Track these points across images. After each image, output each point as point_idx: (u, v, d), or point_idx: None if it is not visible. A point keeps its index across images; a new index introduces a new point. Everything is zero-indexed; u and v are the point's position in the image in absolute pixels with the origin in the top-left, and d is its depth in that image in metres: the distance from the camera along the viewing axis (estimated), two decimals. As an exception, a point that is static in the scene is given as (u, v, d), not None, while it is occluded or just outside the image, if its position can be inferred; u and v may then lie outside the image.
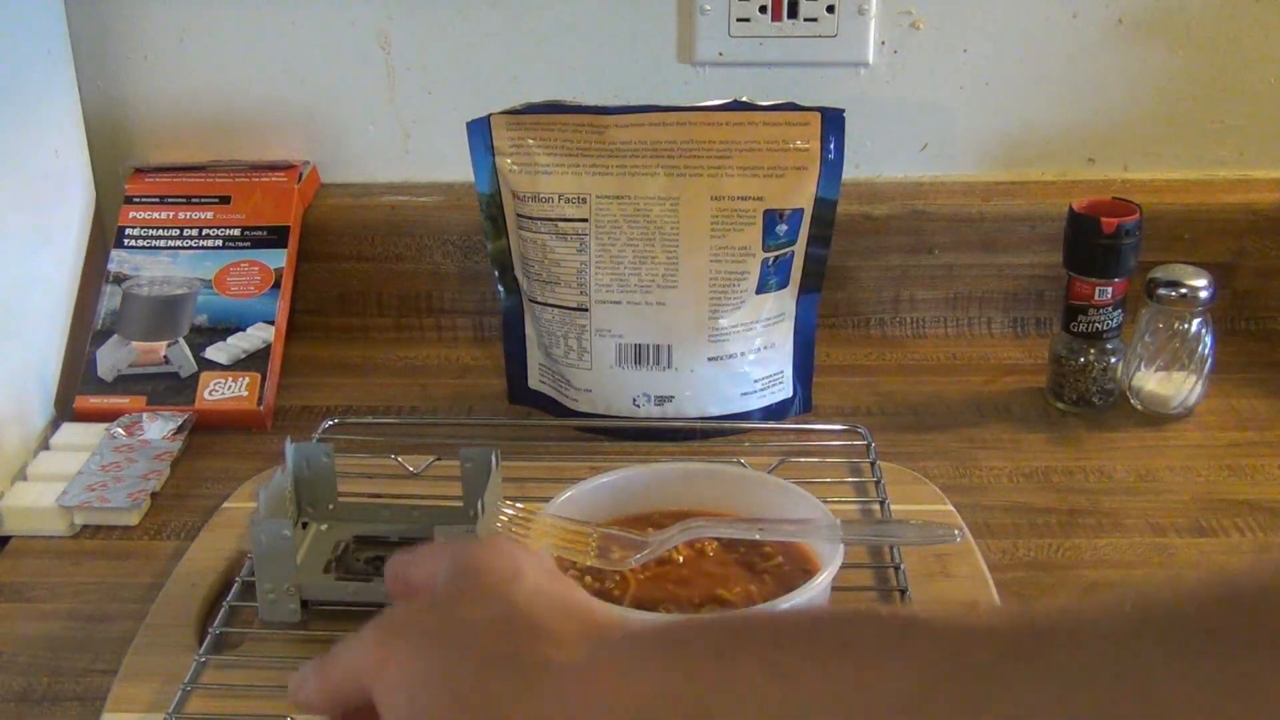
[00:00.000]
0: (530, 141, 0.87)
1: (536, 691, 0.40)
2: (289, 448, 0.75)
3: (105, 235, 1.05)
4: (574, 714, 0.38)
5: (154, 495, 0.85)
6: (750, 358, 0.90)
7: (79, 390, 0.95)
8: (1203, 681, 0.30)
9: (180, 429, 0.91)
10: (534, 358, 0.94)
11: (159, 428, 0.91)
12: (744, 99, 0.86)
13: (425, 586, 0.47)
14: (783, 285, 0.90)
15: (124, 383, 0.95)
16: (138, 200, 1.04)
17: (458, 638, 0.43)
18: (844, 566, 0.64)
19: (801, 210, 0.87)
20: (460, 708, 0.41)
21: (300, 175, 1.05)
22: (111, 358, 0.96)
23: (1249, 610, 0.31)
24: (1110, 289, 0.90)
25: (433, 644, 0.43)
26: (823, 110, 0.86)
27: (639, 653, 0.39)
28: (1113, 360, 0.92)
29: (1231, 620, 0.31)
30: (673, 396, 0.89)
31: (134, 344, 0.97)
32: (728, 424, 0.90)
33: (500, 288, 0.93)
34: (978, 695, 0.32)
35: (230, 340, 0.97)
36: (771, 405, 0.92)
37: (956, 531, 0.68)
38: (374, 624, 0.46)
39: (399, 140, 1.08)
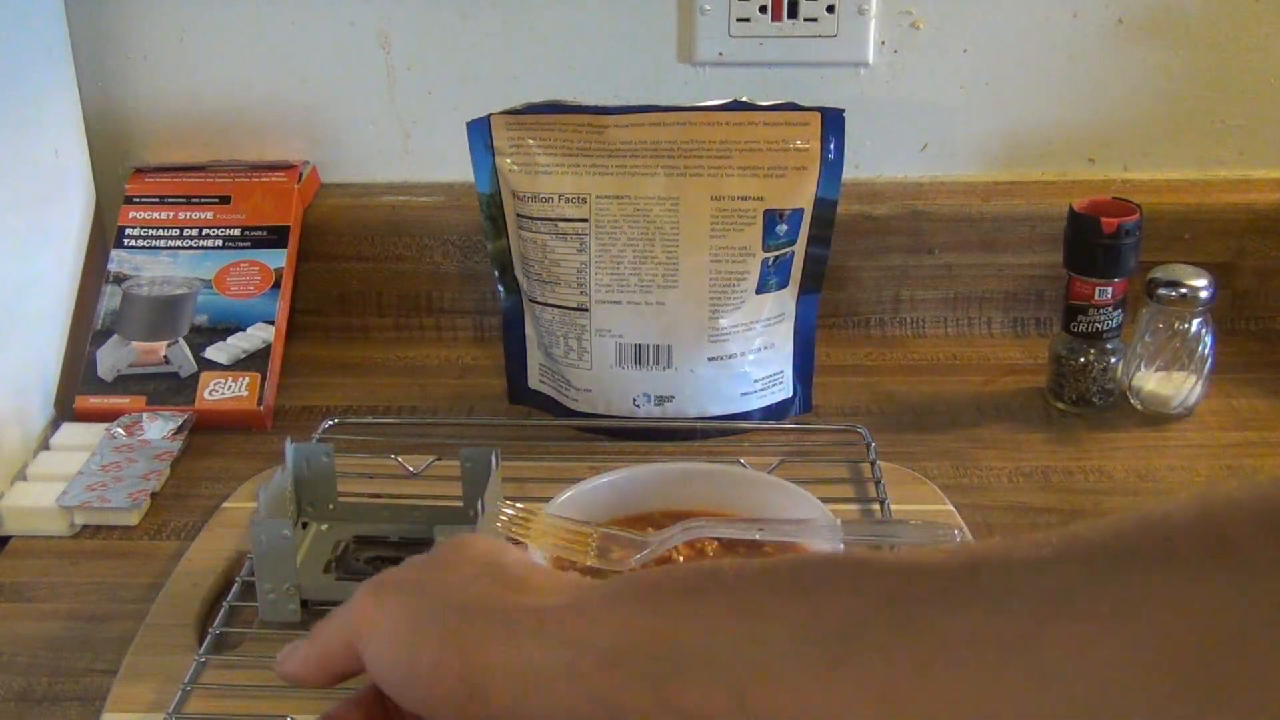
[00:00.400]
0: (530, 141, 0.87)
1: (516, 632, 0.42)
2: (289, 448, 0.75)
3: (105, 235, 1.05)
4: (552, 651, 0.41)
5: (154, 495, 0.85)
6: (750, 358, 0.90)
7: (79, 390, 0.95)
8: (1118, 594, 0.33)
9: (180, 429, 0.91)
10: (534, 358, 0.94)
11: (159, 428, 0.91)
12: (744, 99, 0.86)
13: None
14: (783, 285, 0.90)
15: (124, 383, 0.95)
16: (138, 200, 1.04)
17: (442, 589, 0.45)
18: (844, 566, 0.64)
19: (801, 210, 0.87)
20: (445, 651, 0.43)
21: (300, 175, 1.05)
22: (111, 358, 0.96)
23: (1161, 535, 0.34)
24: (1110, 289, 0.90)
25: (419, 595, 0.45)
26: (823, 110, 0.86)
27: (614, 596, 0.42)
28: (1113, 360, 0.92)
29: (1146, 543, 0.34)
30: (673, 396, 0.89)
31: (134, 344, 0.97)
32: (728, 424, 0.90)
33: (500, 288, 0.93)
34: (913, 618, 0.35)
35: (230, 340, 0.97)
36: (771, 405, 0.92)
37: (956, 531, 0.68)
38: (363, 585, 0.47)
39: (399, 140, 1.08)
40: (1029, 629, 0.34)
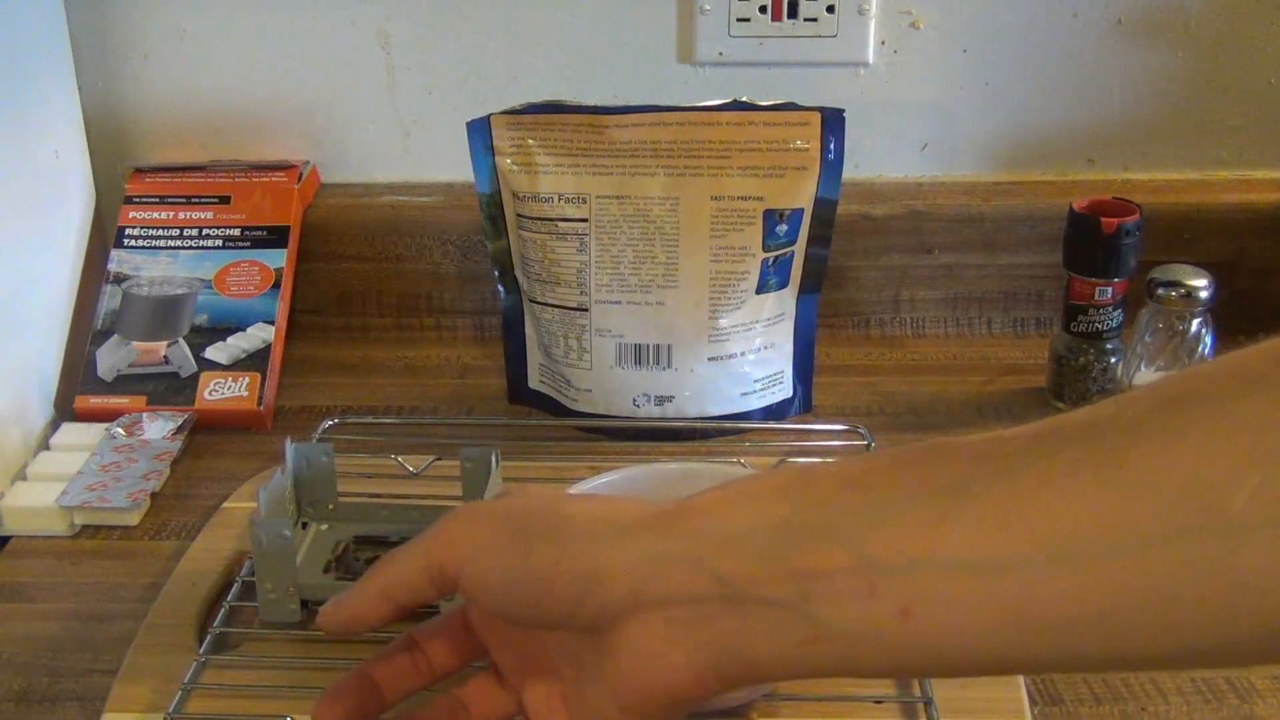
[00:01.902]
0: (530, 141, 0.87)
1: (627, 531, 0.44)
2: (289, 448, 0.75)
3: (105, 235, 1.05)
4: (671, 542, 0.43)
5: (154, 495, 0.85)
6: (750, 358, 0.90)
7: (79, 390, 0.95)
8: (1189, 417, 0.36)
9: (180, 429, 0.91)
10: (534, 358, 0.94)
11: (159, 428, 0.91)
12: (744, 99, 0.86)
13: None
14: (783, 285, 0.90)
15: (124, 383, 0.95)
16: (138, 200, 1.04)
17: (536, 506, 0.47)
18: (844, 566, 0.64)
19: (801, 210, 0.87)
20: (561, 551, 0.45)
21: (300, 175, 1.05)
22: (111, 358, 0.96)
23: (1225, 371, 0.37)
24: (1110, 289, 0.90)
25: (515, 514, 0.47)
26: (823, 110, 0.86)
27: (720, 499, 0.44)
28: (1113, 360, 0.92)
29: (1203, 383, 0.37)
30: (673, 396, 0.89)
31: (134, 344, 0.97)
32: (728, 424, 0.90)
33: (500, 288, 0.93)
34: (1010, 467, 0.39)
35: (230, 340, 0.97)
36: (771, 405, 0.92)
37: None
38: (441, 520, 0.49)
39: (399, 140, 1.08)
40: (1120, 450, 0.37)
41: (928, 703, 0.63)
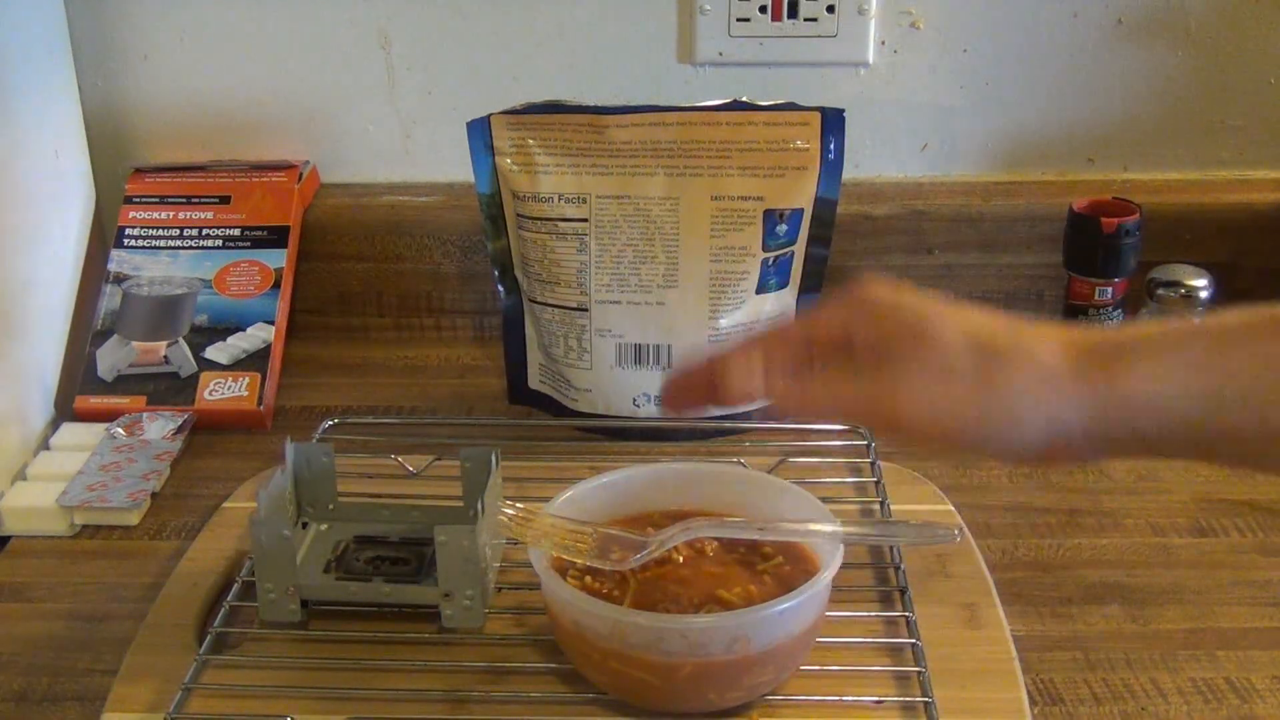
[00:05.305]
0: (530, 141, 0.87)
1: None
2: (289, 448, 0.75)
3: (105, 235, 1.05)
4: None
5: (154, 495, 0.85)
6: (750, 358, 0.90)
7: (79, 390, 0.95)
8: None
9: (180, 429, 0.91)
10: (534, 358, 0.94)
11: (159, 428, 0.91)
12: (744, 99, 0.86)
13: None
14: (783, 285, 0.90)
15: (124, 383, 0.95)
16: (138, 200, 1.04)
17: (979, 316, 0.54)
18: (844, 566, 0.64)
19: (801, 210, 0.87)
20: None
21: (300, 175, 1.05)
22: (111, 358, 0.96)
23: None
24: (1110, 289, 0.90)
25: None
26: (823, 110, 0.86)
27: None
28: (1113, 360, 0.92)
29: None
30: (673, 396, 0.89)
31: (134, 344, 0.97)
32: (728, 424, 0.90)
33: (500, 288, 0.93)
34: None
35: (230, 340, 0.97)
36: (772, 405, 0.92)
37: (956, 531, 0.68)
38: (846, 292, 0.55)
39: (399, 140, 1.08)
40: None
41: (928, 703, 0.63)
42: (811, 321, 0.56)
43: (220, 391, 0.95)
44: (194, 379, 0.95)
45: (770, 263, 0.88)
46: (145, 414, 0.93)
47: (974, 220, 1.03)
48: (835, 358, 0.55)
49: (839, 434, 0.88)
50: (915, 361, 0.53)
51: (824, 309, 0.57)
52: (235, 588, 0.72)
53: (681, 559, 0.68)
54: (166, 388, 0.95)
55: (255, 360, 0.96)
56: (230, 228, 1.02)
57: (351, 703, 0.64)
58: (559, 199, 0.87)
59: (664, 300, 0.88)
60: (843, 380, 0.55)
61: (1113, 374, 0.51)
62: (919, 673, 0.65)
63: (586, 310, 0.89)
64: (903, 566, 0.73)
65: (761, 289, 0.88)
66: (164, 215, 1.03)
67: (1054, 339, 0.52)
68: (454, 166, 0.99)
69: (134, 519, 0.83)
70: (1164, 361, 0.51)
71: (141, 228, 1.02)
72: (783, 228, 0.87)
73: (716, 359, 0.57)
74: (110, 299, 0.99)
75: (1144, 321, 0.55)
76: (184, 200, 1.03)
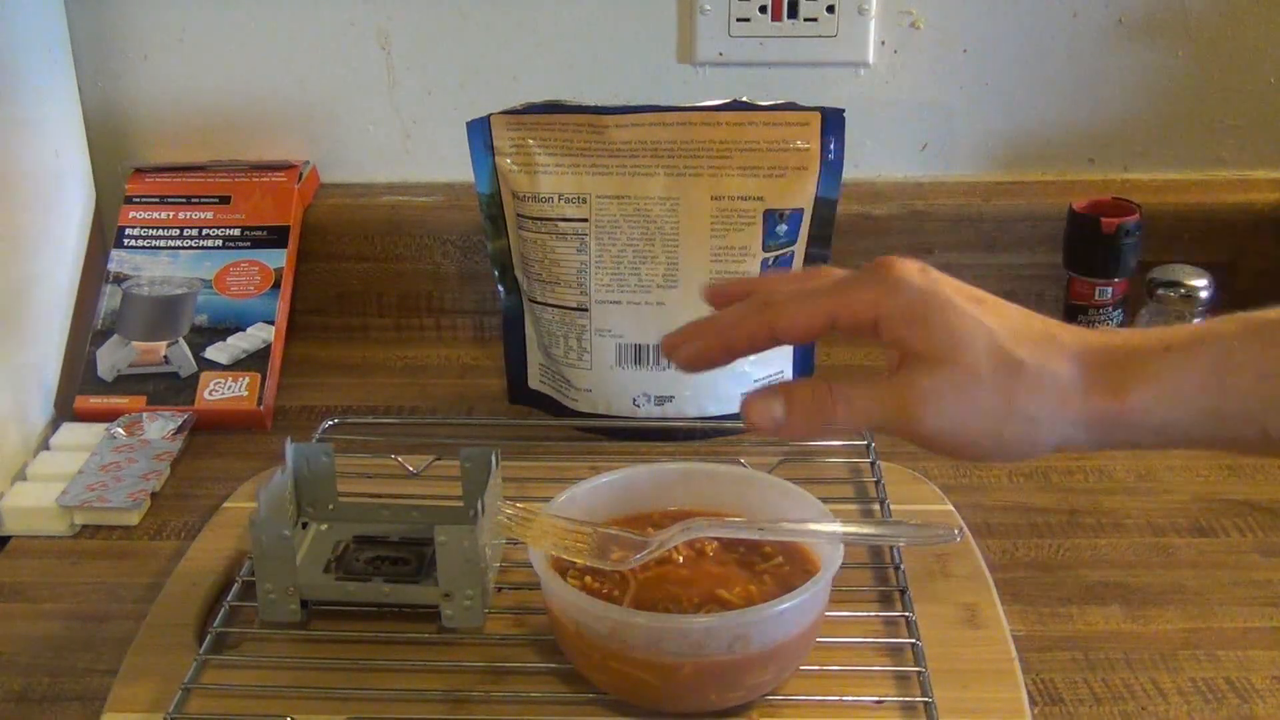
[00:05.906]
0: (530, 141, 0.87)
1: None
2: (289, 448, 0.75)
3: (105, 235, 1.05)
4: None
5: (154, 495, 0.85)
6: (750, 357, 0.89)
7: (79, 390, 0.95)
8: None
9: (180, 429, 0.91)
10: (534, 358, 0.94)
11: (159, 428, 0.91)
12: (744, 99, 0.86)
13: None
14: (783, 285, 0.90)
15: (124, 383, 0.95)
16: (138, 200, 1.04)
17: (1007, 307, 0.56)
18: (844, 566, 0.64)
19: (801, 210, 0.87)
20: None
21: (300, 175, 1.05)
22: (111, 358, 0.96)
23: None
24: (1110, 289, 0.90)
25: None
26: (823, 110, 0.86)
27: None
28: (1113, 360, 0.92)
29: None
30: (673, 396, 0.89)
31: (134, 344, 0.97)
32: (728, 424, 0.90)
33: (500, 288, 0.93)
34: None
35: (230, 340, 0.97)
36: (771, 405, 0.92)
37: (956, 531, 0.68)
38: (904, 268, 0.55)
39: (399, 140, 1.08)
40: None
41: (928, 703, 0.63)
42: (841, 297, 0.56)
43: (220, 391, 0.95)
44: (194, 379, 0.95)
45: (770, 263, 0.88)
46: (145, 414, 0.93)
47: (974, 220, 1.03)
48: (859, 337, 0.56)
49: (839, 434, 0.88)
50: (941, 377, 0.53)
51: (854, 286, 0.56)
52: (235, 588, 0.72)
53: (681, 559, 0.68)
54: (166, 388, 0.95)
55: (255, 360, 0.96)
56: (230, 228, 1.02)
57: (351, 703, 0.64)
58: (559, 199, 0.87)
59: (664, 300, 0.88)
60: (863, 393, 0.56)
61: (1120, 397, 0.53)
62: (919, 673, 0.65)
63: (586, 310, 0.89)
64: (903, 566, 0.73)
65: (761, 289, 0.88)
66: (164, 215, 1.03)
67: (1071, 351, 0.54)
68: (454, 166, 0.99)
69: (134, 519, 0.83)
70: (1167, 385, 0.53)
71: (141, 228, 1.02)
72: (783, 228, 0.87)
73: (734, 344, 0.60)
74: (110, 299, 0.99)
75: (1150, 331, 0.55)
76: (184, 200, 1.03)
